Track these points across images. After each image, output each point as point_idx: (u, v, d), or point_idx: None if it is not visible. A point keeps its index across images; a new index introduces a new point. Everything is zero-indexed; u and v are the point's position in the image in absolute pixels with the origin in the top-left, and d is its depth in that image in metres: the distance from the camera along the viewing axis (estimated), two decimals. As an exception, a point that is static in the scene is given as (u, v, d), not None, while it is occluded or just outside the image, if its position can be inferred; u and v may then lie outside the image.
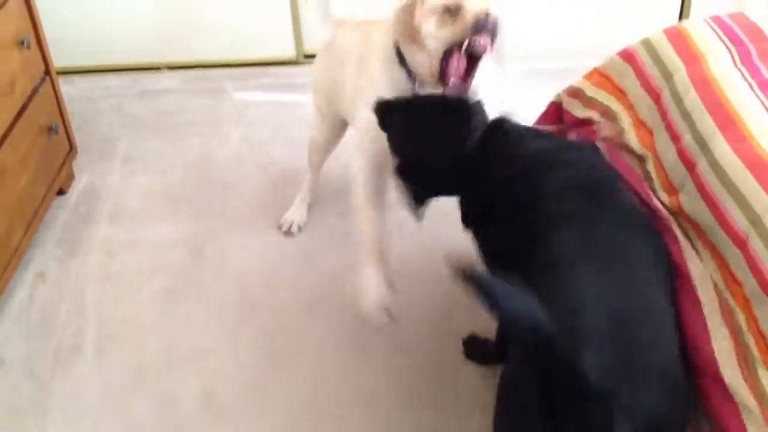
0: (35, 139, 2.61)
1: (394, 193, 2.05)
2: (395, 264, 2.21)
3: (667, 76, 1.93)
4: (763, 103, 1.71)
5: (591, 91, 2.16)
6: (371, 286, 2.11)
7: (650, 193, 1.84)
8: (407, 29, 1.95)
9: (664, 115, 1.90)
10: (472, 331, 2.24)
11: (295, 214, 2.73)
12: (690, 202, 1.69)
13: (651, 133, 1.95)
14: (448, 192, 1.92)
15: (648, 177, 1.89)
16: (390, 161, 1.96)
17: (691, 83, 1.84)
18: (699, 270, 1.61)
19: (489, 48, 1.89)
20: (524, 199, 1.71)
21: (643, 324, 1.45)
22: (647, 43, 2.05)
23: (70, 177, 2.96)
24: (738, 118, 1.68)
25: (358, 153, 2.17)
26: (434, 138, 1.86)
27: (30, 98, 2.59)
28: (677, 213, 1.74)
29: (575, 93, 2.21)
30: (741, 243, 1.51)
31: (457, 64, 1.89)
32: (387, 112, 1.93)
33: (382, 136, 1.96)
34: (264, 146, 3.15)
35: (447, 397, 2.13)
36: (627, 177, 1.92)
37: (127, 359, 2.28)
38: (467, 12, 1.87)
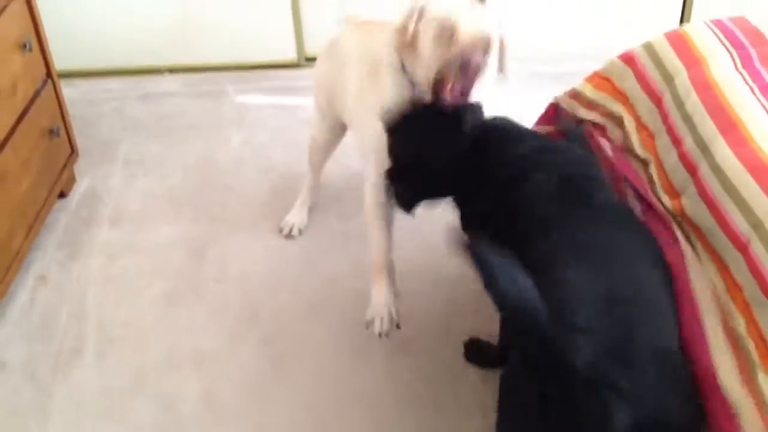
0: (37, 142, 2.61)
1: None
2: (398, 270, 2.22)
3: (668, 79, 1.94)
4: (764, 107, 1.71)
5: (592, 93, 2.16)
6: (381, 299, 2.16)
7: (652, 196, 1.84)
8: (405, 41, 1.95)
9: (665, 118, 1.90)
10: (473, 333, 2.24)
11: (296, 217, 2.73)
12: (692, 205, 1.69)
13: (652, 137, 1.95)
14: (444, 193, 1.93)
15: (651, 180, 1.89)
16: None
17: (692, 87, 1.85)
18: (698, 274, 1.61)
19: (483, 69, 1.87)
20: (516, 199, 1.72)
21: (635, 305, 1.46)
22: (648, 47, 2.05)
23: (72, 180, 2.96)
24: (739, 121, 1.68)
25: (367, 166, 2.16)
26: (431, 138, 1.87)
27: (32, 101, 2.59)
28: (680, 216, 1.74)
29: (575, 95, 2.21)
30: (742, 247, 1.51)
31: (452, 85, 1.88)
32: (392, 121, 1.95)
33: None
34: (265, 149, 3.15)
35: (447, 399, 2.13)
36: (633, 181, 1.92)
37: (127, 362, 2.28)
38: (461, 34, 1.85)
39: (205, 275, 2.57)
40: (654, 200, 1.83)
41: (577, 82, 2.25)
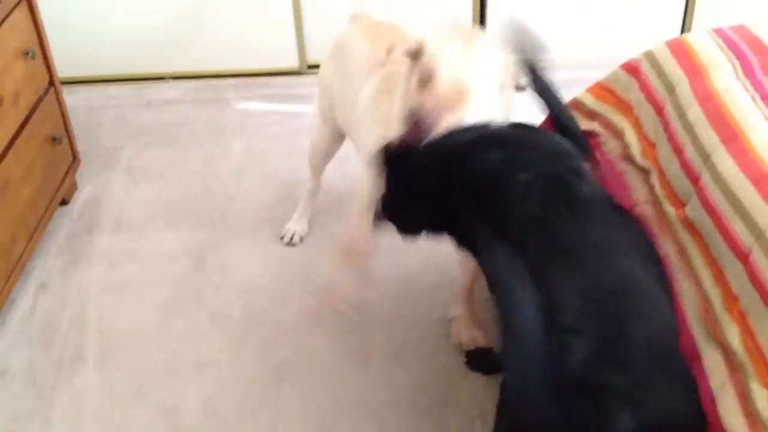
0: (39, 150, 2.61)
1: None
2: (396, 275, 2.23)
3: (670, 88, 1.94)
4: (765, 116, 1.71)
5: (592, 103, 2.16)
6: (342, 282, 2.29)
7: (645, 208, 1.84)
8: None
9: (666, 127, 1.90)
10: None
11: (297, 224, 2.73)
12: (694, 214, 1.69)
13: (653, 146, 1.95)
14: (436, 219, 1.88)
15: (652, 191, 1.89)
16: None
17: (693, 96, 1.84)
18: (684, 290, 1.62)
19: (435, 129, 1.83)
20: (501, 207, 1.67)
21: (627, 300, 1.44)
22: (650, 56, 2.05)
23: (73, 187, 2.96)
24: (741, 131, 1.68)
25: (366, 174, 2.15)
26: (408, 172, 1.86)
27: (34, 109, 2.60)
28: (683, 226, 1.74)
29: (576, 105, 2.21)
30: (743, 256, 1.51)
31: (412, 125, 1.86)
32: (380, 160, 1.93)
33: None
34: (266, 156, 3.15)
35: (448, 407, 2.13)
36: (618, 196, 1.92)
37: (128, 370, 2.28)
38: (437, 83, 1.82)
39: (206, 282, 2.57)
40: (647, 213, 1.82)
41: (578, 90, 2.25)
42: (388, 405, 2.15)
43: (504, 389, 1.54)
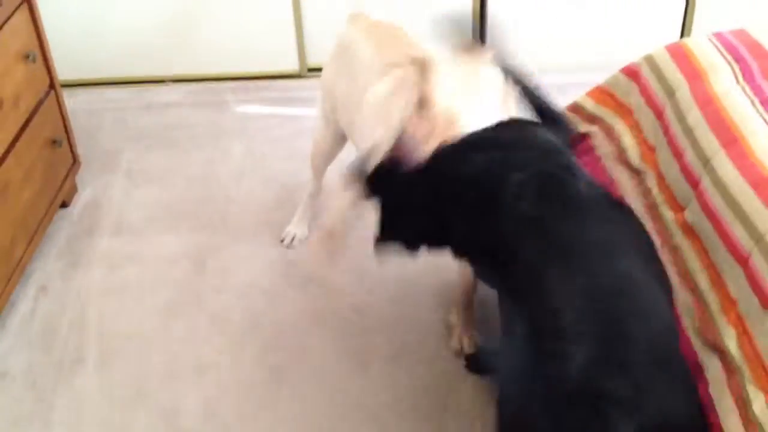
0: (39, 153, 2.62)
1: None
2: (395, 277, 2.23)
3: (670, 92, 1.94)
4: (765, 121, 1.72)
5: (593, 107, 2.17)
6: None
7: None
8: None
9: (666, 131, 1.91)
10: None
11: (297, 227, 2.73)
12: (694, 218, 1.69)
13: (653, 150, 1.95)
14: (435, 232, 1.86)
15: (647, 192, 1.89)
16: None
17: (693, 100, 1.85)
18: (679, 294, 1.63)
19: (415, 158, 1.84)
20: (497, 209, 1.66)
21: (625, 301, 1.43)
22: (650, 60, 2.06)
23: (73, 190, 2.96)
24: (740, 135, 1.69)
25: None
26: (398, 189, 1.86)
27: (34, 112, 2.60)
28: (681, 230, 1.74)
29: (576, 108, 2.22)
30: (742, 260, 1.51)
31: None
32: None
33: None
34: (266, 160, 3.16)
35: (448, 411, 2.13)
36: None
37: (128, 372, 2.28)
38: (429, 112, 1.83)
39: (206, 285, 2.57)
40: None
41: (577, 94, 2.26)
42: (388, 408, 2.15)
43: (499, 403, 1.55)
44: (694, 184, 1.73)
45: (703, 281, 1.63)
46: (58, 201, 2.79)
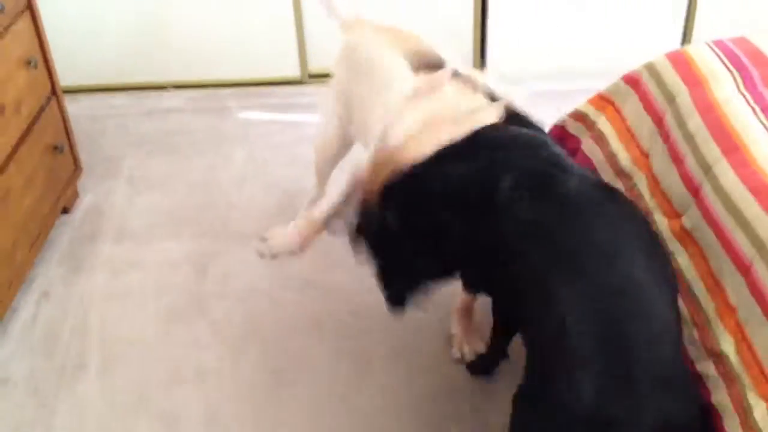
0: (41, 159, 2.62)
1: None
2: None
3: (670, 99, 1.94)
4: (766, 128, 1.72)
5: (594, 114, 2.18)
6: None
7: None
8: None
9: (666, 137, 1.91)
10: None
11: (299, 233, 2.73)
12: (694, 225, 1.70)
13: (647, 156, 1.96)
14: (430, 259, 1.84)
15: (639, 198, 1.90)
16: None
17: (694, 107, 1.85)
18: None
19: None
20: (495, 215, 1.64)
21: (633, 316, 1.43)
22: (651, 67, 2.06)
23: (75, 196, 2.97)
24: (742, 143, 1.69)
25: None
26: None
27: (36, 118, 2.61)
28: (676, 237, 1.74)
29: (579, 116, 2.22)
30: (744, 268, 1.51)
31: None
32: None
33: None
34: (268, 166, 3.16)
35: (449, 415, 2.13)
36: None
37: (130, 378, 2.28)
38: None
39: (207, 291, 2.57)
40: None
41: (578, 101, 2.26)
42: (388, 412, 2.15)
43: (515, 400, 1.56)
44: (694, 190, 1.73)
45: (698, 288, 1.64)
46: (60, 207, 2.79)
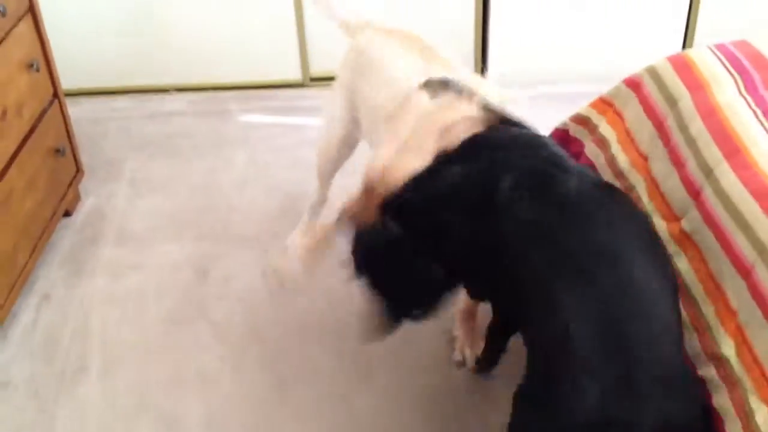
0: (43, 162, 2.62)
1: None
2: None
3: (672, 103, 1.94)
4: (767, 131, 1.72)
5: (596, 118, 2.17)
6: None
7: None
8: None
9: (667, 141, 1.90)
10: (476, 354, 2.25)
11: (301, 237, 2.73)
12: (694, 229, 1.69)
13: (646, 159, 1.95)
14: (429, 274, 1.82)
15: (637, 199, 1.90)
16: None
17: (696, 111, 1.85)
18: None
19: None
20: (496, 218, 1.63)
21: (636, 319, 1.43)
22: (652, 71, 2.06)
23: (77, 199, 2.97)
24: (743, 146, 1.69)
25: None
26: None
27: (38, 121, 2.61)
28: (674, 240, 1.74)
29: (581, 120, 2.22)
30: (745, 271, 1.51)
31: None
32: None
33: None
34: (269, 169, 3.16)
35: (449, 417, 2.13)
36: None
37: (131, 381, 2.28)
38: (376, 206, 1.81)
39: (208, 294, 2.57)
40: None
41: (580, 104, 2.26)
42: (388, 412, 2.15)
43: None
44: (695, 194, 1.73)
45: (697, 291, 1.63)
46: (62, 210, 2.79)
